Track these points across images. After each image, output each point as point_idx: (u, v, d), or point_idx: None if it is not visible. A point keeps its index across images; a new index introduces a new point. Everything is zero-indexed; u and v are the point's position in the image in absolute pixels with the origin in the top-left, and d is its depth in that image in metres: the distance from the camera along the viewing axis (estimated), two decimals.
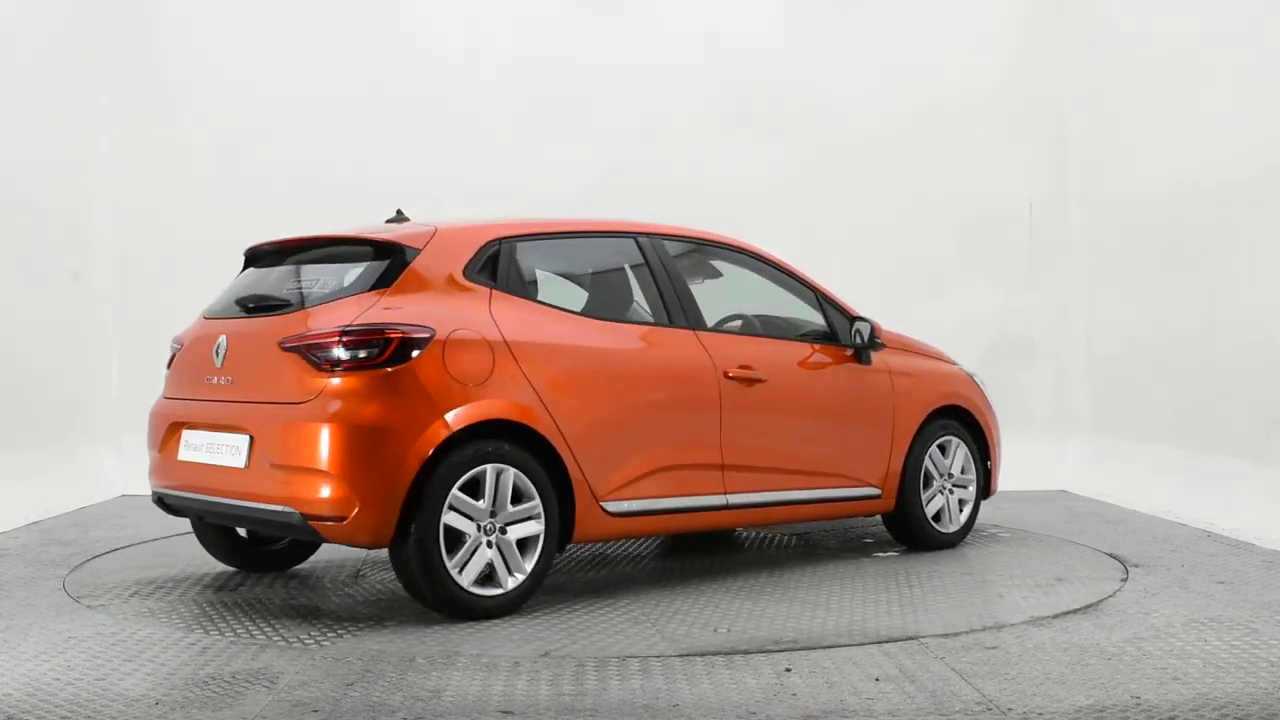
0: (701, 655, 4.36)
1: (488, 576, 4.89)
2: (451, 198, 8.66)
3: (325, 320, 4.83)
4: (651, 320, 5.70)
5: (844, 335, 6.19)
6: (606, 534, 5.35)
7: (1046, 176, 9.57)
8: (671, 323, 5.65)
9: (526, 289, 5.30)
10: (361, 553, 6.36)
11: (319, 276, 5.22)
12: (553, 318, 5.28)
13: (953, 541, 6.52)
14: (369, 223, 5.62)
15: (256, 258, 5.67)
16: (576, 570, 6.04)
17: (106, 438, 8.88)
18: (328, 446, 4.63)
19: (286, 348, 4.83)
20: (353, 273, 5.11)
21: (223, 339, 5.18)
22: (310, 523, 4.69)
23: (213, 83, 9.32)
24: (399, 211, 5.62)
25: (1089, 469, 8.94)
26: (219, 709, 3.75)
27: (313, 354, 4.76)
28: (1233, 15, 7.64)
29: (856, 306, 6.36)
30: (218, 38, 9.36)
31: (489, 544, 4.87)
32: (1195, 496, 7.47)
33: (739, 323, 6.19)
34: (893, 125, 9.46)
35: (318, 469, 4.65)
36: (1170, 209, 8.25)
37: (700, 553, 6.54)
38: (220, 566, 6.05)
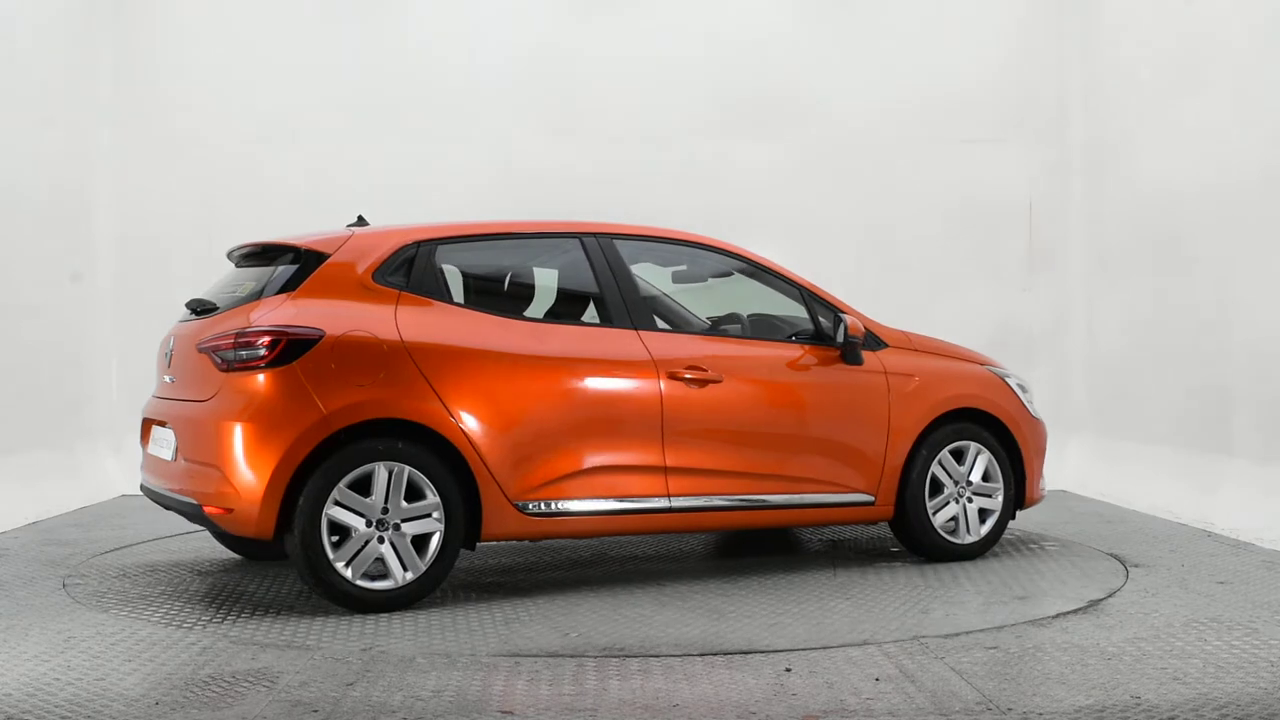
0: (701, 655, 4.37)
1: (384, 572, 5.03)
2: (452, 198, 8.67)
3: (231, 323, 5.13)
4: (591, 321, 5.68)
5: (833, 334, 5.94)
6: (523, 534, 5.33)
7: (1046, 176, 9.57)
8: (613, 323, 5.60)
9: (443, 291, 5.37)
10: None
11: (248, 281, 5.45)
12: (467, 319, 5.33)
13: (970, 553, 6.13)
14: (337, 225, 5.73)
15: (231, 262, 5.91)
16: (545, 567, 6.05)
17: (106, 438, 8.88)
18: (216, 442, 4.97)
19: (200, 349, 5.18)
20: (274, 277, 5.31)
21: (172, 340, 5.55)
22: (206, 512, 5.01)
23: (215, 83, 9.31)
24: (360, 217, 5.78)
25: (1089, 469, 8.95)
26: (219, 709, 3.75)
27: (215, 355, 5.08)
28: (1233, 15, 7.64)
29: (857, 307, 6.23)
30: (220, 38, 9.35)
31: (381, 540, 4.99)
32: (1195, 496, 7.47)
33: (736, 324, 6.14)
34: (893, 125, 9.46)
35: (209, 463, 5.00)
36: (1170, 209, 8.25)
37: (737, 553, 6.54)
38: (220, 567, 6.06)
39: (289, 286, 5.18)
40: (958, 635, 4.64)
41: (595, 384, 5.44)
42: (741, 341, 5.98)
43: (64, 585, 5.62)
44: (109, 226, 9.20)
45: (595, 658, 4.35)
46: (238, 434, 4.90)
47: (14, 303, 7.92)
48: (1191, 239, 8.01)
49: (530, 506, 5.25)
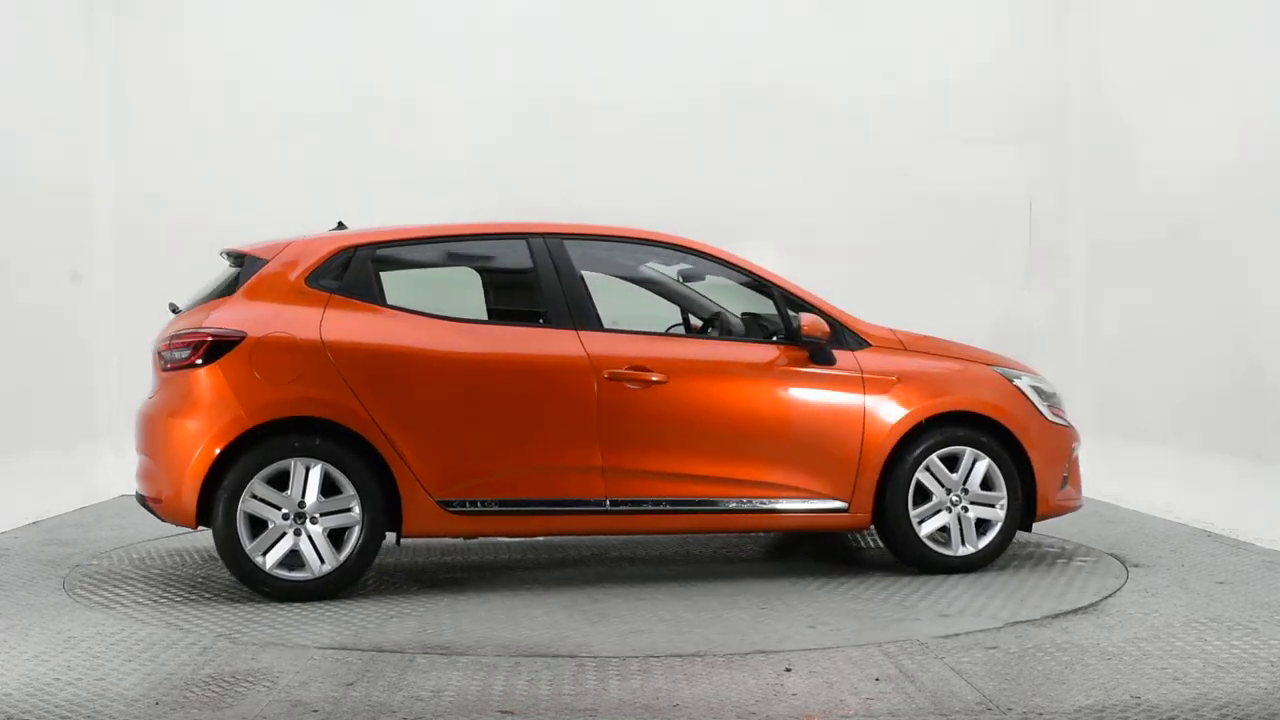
0: (701, 655, 4.37)
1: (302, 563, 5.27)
2: (451, 198, 8.67)
3: (178, 325, 5.52)
4: (531, 321, 5.69)
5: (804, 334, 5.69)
6: (448, 531, 5.46)
7: (1046, 176, 9.58)
8: (552, 323, 5.58)
9: (375, 294, 5.51)
10: None
11: (210, 285, 5.76)
12: (395, 320, 5.46)
13: (965, 566, 5.77)
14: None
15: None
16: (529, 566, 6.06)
17: (106, 438, 8.88)
18: (150, 436, 5.45)
19: (155, 351, 5.56)
20: (226, 281, 5.64)
21: (155, 342, 5.77)
22: (148, 502, 5.45)
23: (215, 82, 9.31)
24: (340, 223, 5.94)
25: (1089, 469, 8.91)
26: (219, 709, 3.75)
27: (159, 356, 5.49)
28: (1233, 15, 7.65)
29: (856, 306, 6.19)
30: (220, 38, 9.35)
31: (297, 532, 5.22)
32: (1195, 496, 7.47)
33: (718, 324, 6.07)
34: (893, 125, 9.46)
35: (148, 455, 5.47)
36: (1171, 208, 8.25)
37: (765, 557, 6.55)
38: (221, 566, 6.04)
39: (229, 291, 5.51)
40: (958, 635, 4.64)
41: (524, 383, 5.49)
42: (696, 341, 5.92)
43: (64, 585, 5.62)
44: (109, 226, 9.20)
45: (596, 658, 4.35)
46: (164, 428, 5.32)
47: (14, 303, 7.92)
48: (1191, 238, 8.02)
49: (454, 504, 5.34)
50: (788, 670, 4.16)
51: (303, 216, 6.76)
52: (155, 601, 5.30)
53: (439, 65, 9.40)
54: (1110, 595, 5.33)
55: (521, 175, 9.12)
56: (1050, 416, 6.01)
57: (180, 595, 5.42)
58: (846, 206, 9.43)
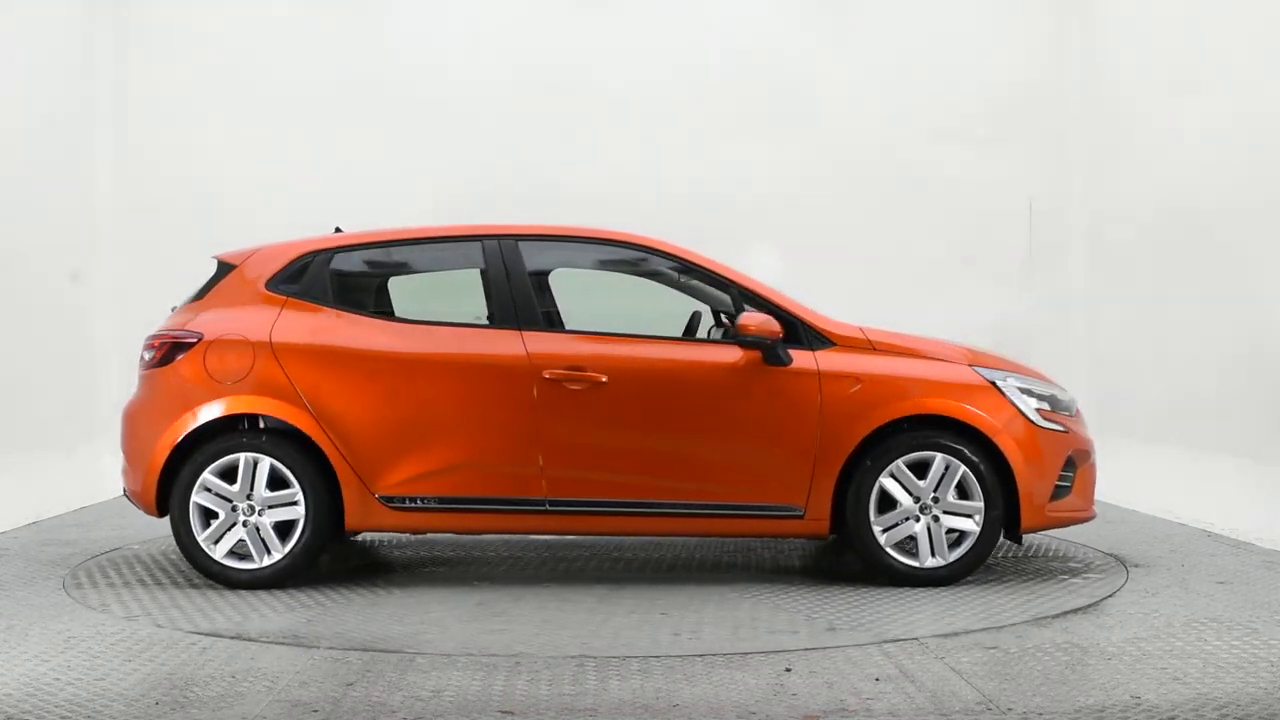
0: (701, 655, 4.37)
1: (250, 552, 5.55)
2: (453, 200, 8.68)
3: (157, 328, 5.83)
4: (478, 322, 5.74)
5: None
6: (387, 525, 5.63)
7: (1046, 176, 9.58)
8: (499, 324, 5.60)
9: (329, 297, 5.71)
10: (358, 552, 6.47)
11: (196, 289, 5.94)
12: (344, 322, 5.66)
13: (935, 579, 5.45)
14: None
15: None
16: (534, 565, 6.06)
17: (106, 438, 8.85)
18: (124, 434, 5.81)
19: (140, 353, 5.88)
20: (202, 286, 5.89)
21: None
22: (129, 494, 5.80)
23: (216, 83, 9.32)
24: (337, 228, 6.10)
25: None
26: (219, 709, 3.75)
27: (140, 358, 5.81)
28: (1233, 15, 7.65)
29: (854, 306, 6.15)
30: (220, 37, 9.36)
31: (244, 524, 5.50)
32: (1195, 496, 7.47)
33: (697, 324, 6.06)
34: (893, 126, 9.47)
35: (123, 450, 5.80)
36: (1171, 208, 8.26)
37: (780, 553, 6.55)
38: None
39: (200, 295, 5.81)
40: (958, 635, 4.64)
41: (464, 383, 5.56)
42: (643, 341, 5.72)
43: (64, 585, 5.62)
44: (109, 226, 9.20)
45: (596, 658, 4.35)
46: (134, 425, 5.74)
47: (14, 303, 7.92)
48: (1191, 238, 8.03)
49: (395, 500, 5.50)
50: (788, 670, 4.17)
51: (304, 218, 6.78)
52: (155, 601, 5.29)
53: (439, 67, 9.40)
54: (1110, 595, 5.32)
55: (522, 175, 9.12)
56: (1039, 420, 5.57)
57: (181, 595, 5.42)
58: (846, 206, 9.44)
